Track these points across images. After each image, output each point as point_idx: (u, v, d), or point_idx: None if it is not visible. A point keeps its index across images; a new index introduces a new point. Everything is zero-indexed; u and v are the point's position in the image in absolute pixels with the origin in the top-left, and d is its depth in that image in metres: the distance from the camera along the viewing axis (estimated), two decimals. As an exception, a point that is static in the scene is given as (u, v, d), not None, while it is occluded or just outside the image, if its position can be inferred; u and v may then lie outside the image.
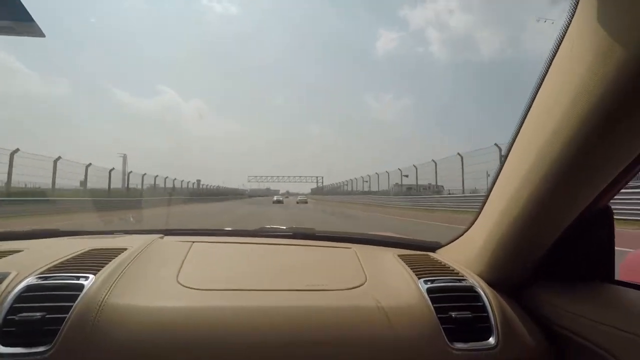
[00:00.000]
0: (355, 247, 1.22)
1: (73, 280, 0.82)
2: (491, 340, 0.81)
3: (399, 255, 1.13)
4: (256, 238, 1.33)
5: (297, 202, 42.64)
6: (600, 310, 0.76)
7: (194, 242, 1.17)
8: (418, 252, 1.23)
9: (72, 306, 0.75)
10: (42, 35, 0.70)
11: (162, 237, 1.24)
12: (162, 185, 33.48)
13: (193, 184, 43.42)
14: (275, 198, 48.58)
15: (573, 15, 0.60)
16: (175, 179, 34.66)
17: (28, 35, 0.70)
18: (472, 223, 1.05)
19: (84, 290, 0.79)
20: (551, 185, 0.72)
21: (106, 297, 0.78)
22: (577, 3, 0.58)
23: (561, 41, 0.63)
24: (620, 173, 0.69)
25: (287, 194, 57.55)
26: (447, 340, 0.80)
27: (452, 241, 1.19)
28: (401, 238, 1.44)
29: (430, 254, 1.20)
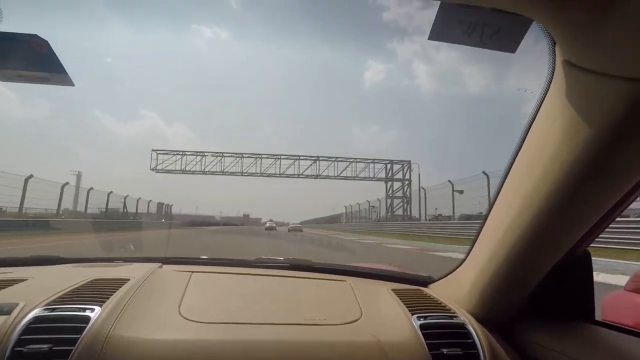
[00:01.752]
0: (350, 280, 1.26)
1: (80, 312, 0.84)
2: None
3: (393, 290, 1.17)
4: (253, 269, 1.37)
5: (289, 230, 34.68)
6: (583, 351, 0.81)
7: (192, 272, 1.20)
8: (411, 286, 1.27)
9: (79, 338, 0.77)
10: (72, 84, 0.76)
11: (160, 266, 1.27)
12: (130, 207, 29.73)
13: (165, 206, 39.40)
14: (267, 224, 44.21)
15: (547, 92, 0.68)
16: (139, 198, 31.25)
17: (60, 84, 0.77)
18: (463, 260, 1.10)
19: (91, 322, 0.81)
20: (534, 233, 0.78)
21: (112, 329, 0.81)
22: (550, 83, 0.67)
23: (538, 110, 0.72)
24: (596, 223, 0.76)
25: (272, 222, 49.32)
26: None
27: (444, 276, 1.23)
28: (395, 272, 1.48)
29: (423, 289, 1.25)
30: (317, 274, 1.35)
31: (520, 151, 0.80)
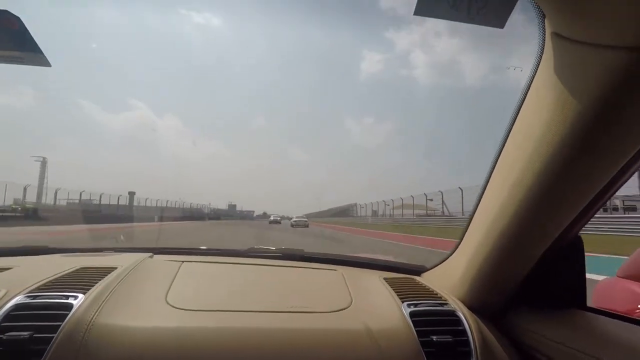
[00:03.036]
0: (342, 270, 1.24)
1: (62, 299, 0.83)
2: None
3: (384, 279, 1.16)
4: (245, 259, 1.35)
5: (292, 225, 28.56)
6: (573, 337, 0.80)
7: (183, 261, 1.19)
8: (403, 275, 1.26)
9: (60, 325, 0.76)
10: (48, 64, 0.74)
11: (151, 256, 1.25)
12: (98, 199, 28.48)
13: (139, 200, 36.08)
14: (272, 218, 42.60)
15: (537, 67, 0.66)
16: (102, 194, 29.41)
17: (35, 65, 0.74)
18: (455, 249, 1.08)
19: (73, 310, 0.80)
20: (524, 218, 0.77)
21: (95, 317, 0.79)
22: (541, 57, 0.64)
23: (528, 88, 0.70)
24: (586, 207, 0.74)
25: (277, 216, 45.35)
26: None
27: (436, 265, 1.22)
28: (388, 261, 1.47)
29: (415, 277, 1.23)
30: (309, 263, 1.34)
31: (510, 133, 0.78)
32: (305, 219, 33.27)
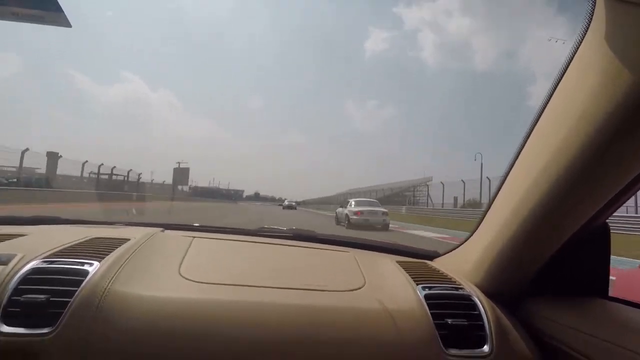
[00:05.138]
0: (354, 252, 1.24)
1: (78, 265, 0.83)
2: (485, 348, 0.83)
3: (397, 262, 1.15)
4: (256, 237, 1.35)
5: (283, 208, 35.22)
6: (594, 325, 0.78)
7: (194, 237, 1.19)
8: (416, 260, 1.24)
9: (76, 291, 0.76)
10: (69, 25, 0.72)
11: (163, 231, 1.25)
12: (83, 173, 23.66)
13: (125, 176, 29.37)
14: (286, 202, 41.31)
15: (584, 36, 0.62)
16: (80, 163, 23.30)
17: (55, 25, 0.72)
18: (471, 234, 1.07)
19: (89, 276, 0.80)
20: (552, 201, 0.74)
21: (110, 284, 0.79)
22: (589, 26, 0.61)
23: (570, 61, 0.66)
24: (619, 192, 0.71)
25: (290, 201, 43.34)
26: (442, 345, 0.81)
27: (451, 251, 1.21)
28: (400, 245, 1.46)
29: (428, 262, 1.22)
30: (320, 244, 1.34)
31: (543, 113, 0.74)
32: (294, 203, 41.06)
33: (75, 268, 0.82)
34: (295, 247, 1.26)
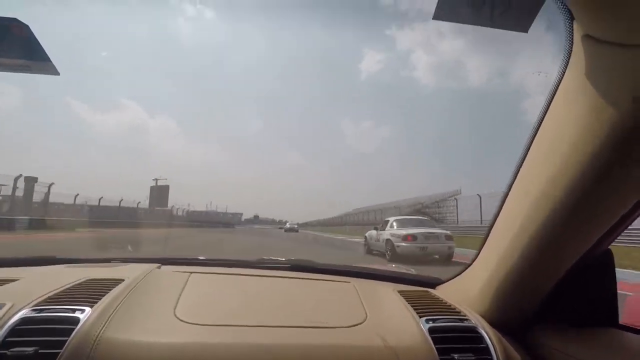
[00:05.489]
0: (354, 282, 1.21)
1: (69, 313, 0.80)
2: None
3: (399, 291, 1.12)
4: (254, 270, 1.32)
5: (285, 231, 34.76)
6: (604, 356, 0.75)
7: (191, 272, 1.16)
8: (418, 288, 1.21)
9: (66, 341, 0.73)
10: (56, 73, 0.72)
11: (159, 267, 1.23)
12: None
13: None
14: (288, 225, 40.33)
15: (564, 71, 0.63)
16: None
17: (43, 73, 0.73)
18: (473, 261, 1.04)
19: (79, 324, 0.77)
20: (551, 230, 0.73)
21: (102, 331, 0.77)
22: (568, 60, 0.61)
23: (554, 94, 0.66)
24: (620, 219, 0.70)
25: (292, 224, 42.46)
26: None
27: (453, 278, 1.18)
28: (401, 273, 1.43)
29: (431, 290, 1.19)
30: (319, 275, 1.31)
31: (535, 140, 0.74)
32: (296, 226, 39.91)
33: (66, 316, 0.80)
34: (294, 279, 1.23)
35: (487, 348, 0.84)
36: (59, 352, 0.71)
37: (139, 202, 31.11)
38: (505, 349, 0.86)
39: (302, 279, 1.24)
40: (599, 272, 0.86)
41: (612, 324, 0.87)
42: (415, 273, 1.43)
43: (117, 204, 28.23)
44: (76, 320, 0.78)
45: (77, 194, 24.09)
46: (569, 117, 0.63)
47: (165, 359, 0.75)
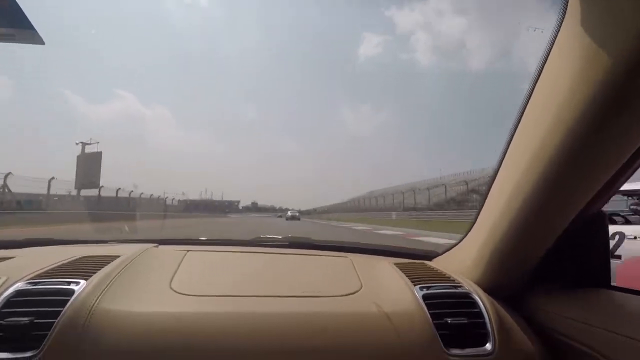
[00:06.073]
0: (351, 256, 1.21)
1: (64, 285, 0.81)
2: (488, 346, 0.80)
3: (394, 264, 1.13)
4: (252, 247, 1.33)
5: (287, 219, 33.77)
6: (596, 315, 0.76)
7: (188, 250, 1.17)
8: (414, 260, 1.22)
9: (61, 311, 0.74)
10: (42, 42, 0.71)
11: (156, 246, 1.24)
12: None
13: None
14: (289, 214, 38.53)
15: (561, 24, 0.62)
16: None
17: (28, 43, 0.71)
18: (468, 232, 1.05)
19: (74, 295, 0.78)
20: (543, 192, 0.73)
21: (97, 302, 0.77)
22: (565, 12, 0.60)
23: (550, 49, 0.65)
24: (611, 178, 0.70)
25: (294, 211, 40.88)
26: (443, 346, 0.79)
27: (448, 250, 1.18)
28: (398, 247, 1.44)
29: (427, 262, 1.20)
30: (317, 251, 1.32)
31: (530, 101, 0.73)
32: (298, 214, 39.85)
33: (61, 288, 0.80)
34: (291, 255, 1.24)
35: (480, 312, 0.85)
36: (54, 322, 0.72)
37: (119, 189, 25.14)
38: (498, 312, 0.87)
39: (300, 255, 1.25)
40: (591, 234, 0.86)
41: (605, 285, 0.88)
42: (414, 248, 1.44)
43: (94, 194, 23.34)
44: (71, 292, 0.79)
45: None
46: (564, 69, 0.62)
47: (162, 327, 0.75)
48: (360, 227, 21.54)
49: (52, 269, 0.91)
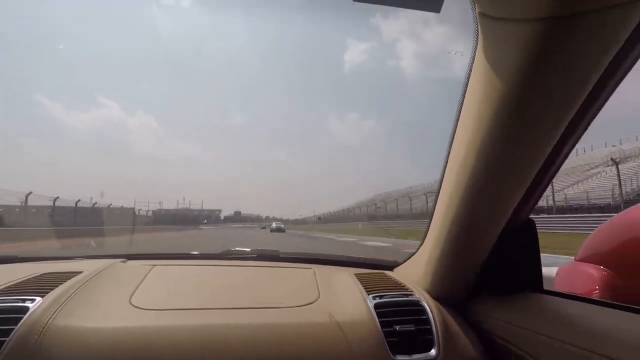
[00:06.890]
0: (315, 268, 1.24)
1: (18, 303, 0.81)
2: (432, 352, 0.84)
3: (355, 274, 1.16)
4: (221, 261, 1.34)
5: (271, 230, 32.48)
6: (531, 320, 0.81)
7: (155, 265, 1.17)
8: (375, 271, 1.26)
9: (13, 329, 0.74)
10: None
11: (124, 261, 1.24)
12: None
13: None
14: (274, 225, 37.36)
15: (475, 51, 0.68)
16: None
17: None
18: (422, 242, 1.09)
19: (28, 313, 0.78)
20: (471, 202, 0.79)
21: (51, 319, 0.77)
22: (477, 38, 0.66)
23: (470, 71, 0.71)
24: (530, 186, 0.76)
25: (279, 222, 40.22)
26: (390, 352, 0.82)
27: (406, 260, 1.23)
28: (362, 258, 1.47)
29: (387, 272, 1.24)
30: (284, 263, 1.34)
31: (459, 122, 0.79)
32: (282, 225, 38.09)
33: (15, 306, 0.80)
34: (258, 268, 1.26)
35: (427, 319, 0.89)
36: (4, 340, 0.72)
37: (78, 200, 23.86)
38: (445, 319, 0.91)
39: (266, 267, 1.27)
40: (523, 241, 0.92)
41: (537, 289, 0.94)
42: (377, 258, 1.47)
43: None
44: (25, 310, 0.79)
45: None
46: (478, 90, 0.68)
47: (116, 342, 0.76)
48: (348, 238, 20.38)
49: (9, 287, 0.90)
